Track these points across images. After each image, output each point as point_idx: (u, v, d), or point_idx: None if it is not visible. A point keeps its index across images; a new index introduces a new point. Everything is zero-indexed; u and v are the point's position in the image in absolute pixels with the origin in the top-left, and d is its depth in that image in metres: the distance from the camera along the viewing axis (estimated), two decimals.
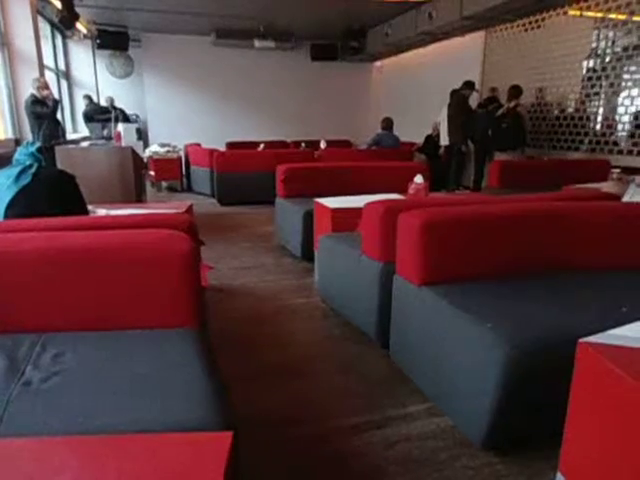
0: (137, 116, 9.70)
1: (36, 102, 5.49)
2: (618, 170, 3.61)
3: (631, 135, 5.17)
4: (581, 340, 1.22)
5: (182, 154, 8.03)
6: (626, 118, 5.32)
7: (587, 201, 2.56)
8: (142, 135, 9.21)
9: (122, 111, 8.31)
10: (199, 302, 1.65)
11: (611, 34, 5.58)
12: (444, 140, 6.92)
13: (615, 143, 5.41)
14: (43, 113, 5.53)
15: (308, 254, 3.73)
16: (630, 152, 5.10)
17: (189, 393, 1.18)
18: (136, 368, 1.32)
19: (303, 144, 8.47)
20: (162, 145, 7.95)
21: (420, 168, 4.33)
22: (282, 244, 4.38)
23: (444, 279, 1.99)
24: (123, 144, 5.30)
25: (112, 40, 9.01)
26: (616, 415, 1.11)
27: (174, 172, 7.80)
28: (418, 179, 3.49)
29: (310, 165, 5.20)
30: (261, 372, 2.27)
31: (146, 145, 8.78)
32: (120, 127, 5.84)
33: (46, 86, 5.64)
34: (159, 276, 1.57)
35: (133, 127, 7.24)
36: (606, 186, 3.45)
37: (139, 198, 4.56)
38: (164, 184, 7.92)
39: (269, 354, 2.45)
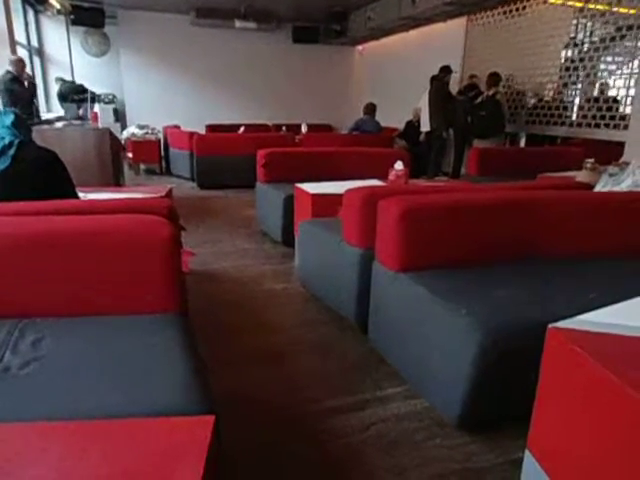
0: (114, 96, 9.45)
1: (14, 80, 5.30)
2: (592, 160, 3.70)
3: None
4: (550, 325, 1.27)
5: (161, 136, 7.88)
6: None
7: (561, 190, 2.62)
8: (119, 116, 9.00)
9: (92, 93, 8.08)
10: (180, 287, 1.65)
11: (589, 24, 5.66)
12: (425, 126, 6.95)
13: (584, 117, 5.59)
14: (20, 92, 5.35)
15: (288, 239, 3.74)
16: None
17: (170, 378, 1.20)
18: (117, 353, 1.33)
19: (284, 128, 8.40)
20: (140, 127, 7.79)
21: (401, 154, 4.36)
22: (263, 229, 4.38)
23: (422, 266, 2.03)
24: (100, 125, 5.18)
25: (87, 16, 8.71)
26: (581, 397, 1.17)
27: (153, 155, 7.67)
28: (398, 165, 3.51)
29: (291, 150, 5.18)
30: (241, 356, 2.29)
31: (124, 127, 8.60)
32: (97, 108, 5.71)
33: (24, 68, 5.47)
34: (139, 262, 1.57)
35: (110, 108, 7.09)
36: (580, 175, 3.54)
37: (117, 181, 4.48)
38: (142, 167, 7.78)
39: (249, 338, 2.48)
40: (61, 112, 7.57)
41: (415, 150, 6.73)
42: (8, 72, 5.31)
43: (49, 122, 5.48)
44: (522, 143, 6.57)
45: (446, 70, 6.59)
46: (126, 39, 9.36)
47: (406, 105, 7.83)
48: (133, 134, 7.62)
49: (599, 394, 1.10)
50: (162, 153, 7.86)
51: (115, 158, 4.51)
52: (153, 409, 1.06)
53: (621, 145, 4.86)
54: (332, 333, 2.52)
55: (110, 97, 9.05)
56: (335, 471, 1.59)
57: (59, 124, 5.38)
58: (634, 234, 2.39)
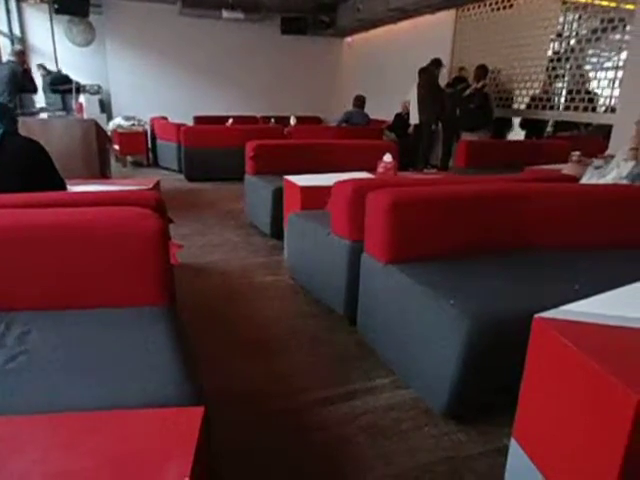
0: (99, 87, 9.31)
1: (25, 76, 5.31)
2: (578, 153, 3.74)
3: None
4: (536, 315, 1.30)
5: (148, 128, 7.79)
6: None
7: (547, 182, 2.65)
8: (105, 107, 8.87)
9: (77, 83, 7.95)
10: (168, 280, 1.65)
11: (577, 17, 5.70)
12: (413, 119, 6.96)
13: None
14: (28, 90, 5.35)
15: (277, 232, 3.74)
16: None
17: (159, 370, 1.19)
18: (105, 346, 1.32)
19: (272, 120, 8.36)
20: (127, 118, 7.68)
21: (389, 147, 4.37)
22: (251, 221, 4.36)
23: (410, 257, 2.04)
24: (85, 116, 5.11)
25: (71, 5, 8.54)
26: (566, 385, 1.19)
27: (139, 146, 7.58)
28: (387, 158, 3.52)
29: (280, 142, 5.16)
30: (231, 349, 2.29)
31: (110, 118, 8.48)
32: (82, 98, 5.62)
33: (25, 60, 5.49)
34: (128, 255, 1.55)
35: (95, 99, 6.98)
36: (566, 168, 3.58)
37: (104, 173, 4.43)
38: (129, 159, 7.69)
39: (239, 331, 2.48)
40: (43, 103, 7.43)
41: (404, 142, 6.75)
42: (11, 62, 5.27)
43: (33, 113, 5.39)
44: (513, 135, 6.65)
45: (437, 63, 6.59)
46: (112, 29, 9.21)
47: (395, 97, 7.83)
48: (119, 125, 7.52)
49: (583, 382, 1.13)
50: (149, 145, 7.78)
51: (101, 150, 4.46)
52: (142, 401, 1.06)
53: (606, 139, 4.92)
54: (321, 325, 2.53)
55: (96, 88, 8.92)
56: (324, 461, 1.60)
57: (43, 115, 5.30)
58: (618, 226, 2.43)
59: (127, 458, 0.86)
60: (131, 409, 1.00)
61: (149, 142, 7.76)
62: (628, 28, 4.94)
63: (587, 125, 6.25)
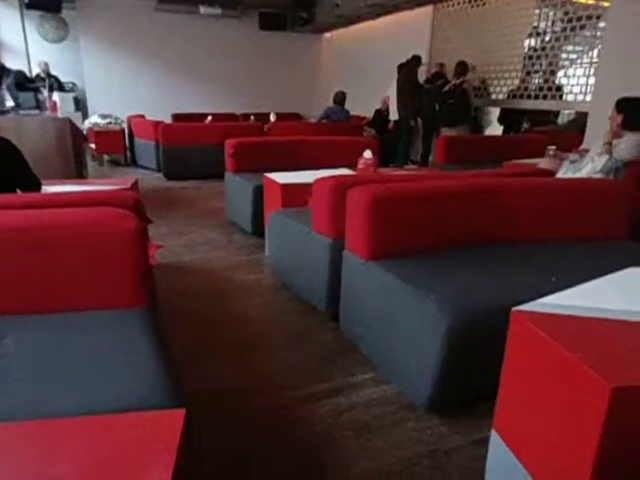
0: (74, 84, 9.11)
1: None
2: (554, 147, 3.81)
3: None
4: (514, 309, 1.32)
5: (125, 126, 7.66)
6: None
7: (524, 177, 2.69)
8: (80, 105, 8.68)
9: (57, 79, 7.77)
10: (148, 281, 1.63)
11: (551, 13, 5.80)
12: (394, 114, 7.00)
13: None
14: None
15: (259, 230, 3.72)
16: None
17: (138, 372, 1.18)
18: (83, 350, 1.30)
19: (252, 117, 8.30)
20: (103, 116, 7.54)
21: (370, 143, 4.38)
22: (232, 220, 4.33)
23: (391, 253, 2.06)
24: (59, 115, 4.99)
25: (42, 0, 8.33)
26: (544, 377, 1.22)
27: (117, 145, 7.45)
28: (367, 154, 3.53)
29: (260, 139, 5.13)
30: (213, 348, 2.28)
31: (85, 116, 8.31)
32: (56, 96, 5.49)
33: None
34: (105, 256, 1.53)
35: (70, 96, 6.83)
36: (542, 162, 3.64)
37: (80, 173, 4.35)
38: (106, 158, 7.56)
39: (222, 330, 2.46)
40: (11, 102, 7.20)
41: (384, 138, 6.77)
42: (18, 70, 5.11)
43: (3, 112, 5.24)
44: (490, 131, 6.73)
45: (416, 60, 6.63)
46: (86, 24, 9.01)
47: (375, 93, 7.85)
48: (95, 124, 7.38)
49: (560, 373, 1.15)
50: (127, 143, 7.65)
51: (77, 149, 4.37)
52: (122, 405, 1.04)
53: (581, 133, 5.03)
54: (304, 322, 2.53)
55: (70, 85, 8.73)
56: (308, 458, 1.61)
57: (15, 114, 5.16)
58: (593, 219, 2.48)
59: (107, 464, 0.85)
60: (110, 414, 0.99)
61: (127, 140, 7.63)
62: (601, 25, 5.04)
63: (560, 120, 6.38)
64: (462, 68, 6.13)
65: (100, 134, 7.29)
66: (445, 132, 6.22)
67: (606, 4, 4.91)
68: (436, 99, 6.45)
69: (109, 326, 1.44)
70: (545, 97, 5.79)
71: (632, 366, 1.08)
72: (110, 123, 7.47)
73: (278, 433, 1.72)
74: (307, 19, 9.37)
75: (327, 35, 10.67)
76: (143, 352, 1.27)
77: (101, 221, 1.57)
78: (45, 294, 1.54)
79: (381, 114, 7.65)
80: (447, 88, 6.21)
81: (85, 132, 6.70)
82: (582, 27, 5.26)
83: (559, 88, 5.61)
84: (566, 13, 5.49)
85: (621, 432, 1.04)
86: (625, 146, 3.06)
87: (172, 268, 3.28)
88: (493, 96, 6.58)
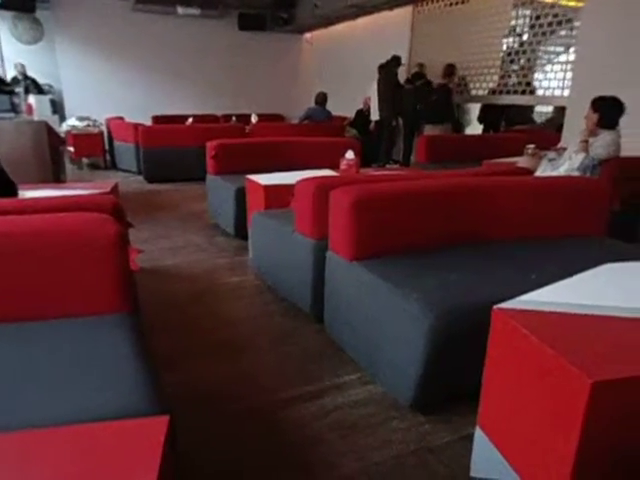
0: (50, 86, 8.94)
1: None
2: (533, 145, 3.87)
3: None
4: (495, 306, 1.34)
5: (104, 128, 7.55)
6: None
7: (504, 176, 2.73)
8: (57, 108, 8.52)
9: (34, 81, 7.62)
10: (129, 286, 1.60)
11: (527, 12, 5.91)
12: (375, 115, 7.03)
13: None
14: None
15: (242, 232, 3.70)
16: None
17: (120, 380, 1.16)
18: (63, 358, 1.27)
19: (234, 118, 8.26)
20: (81, 119, 7.40)
21: (351, 143, 4.39)
22: (215, 222, 4.30)
23: (374, 254, 2.07)
24: (36, 117, 4.89)
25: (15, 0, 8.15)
26: (525, 373, 1.24)
27: (96, 148, 7.33)
28: (349, 155, 3.55)
29: (241, 141, 5.11)
30: (198, 351, 2.26)
31: (62, 119, 8.16)
32: (31, 99, 5.38)
33: None
34: (84, 262, 1.50)
35: (46, 99, 6.69)
36: (521, 161, 3.69)
37: (57, 178, 4.26)
38: (85, 161, 7.44)
39: (205, 333, 2.44)
40: None
41: (366, 138, 6.81)
42: None
43: None
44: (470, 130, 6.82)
45: (396, 60, 6.68)
46: (61, 25, 8.85)
47: (356, 93, 7.88)
48: (73, 127, 7.24)
49: (541, 369, 1.17)
50: (106, 146, 7.54)
51: (54, 153, 4.28)
52: (103, 413, 1.02)
53: (559, 131, 5.12)
54: (288, 324, 2.53)
55: (46, 87, 8.56)
56: (295, 460, 1.60)
57: None
58: (571, 216, 2.53)
59: (89, 474, 0.83)
60: (92, 422, 0.97)
61: (106, 143, 7.52)
62: (576, 24, 5.14)
63: (538, 119, 6.50)
64: (450, 70, 6.23)
65: (78, 137, 7.17)
66: (428, 130, 6.29)
67: (580, 4, 5.01)
68: (418, 98, 6.50)
69: (90, 333, 1.41)
70: (524, 92, 5.91)
71: (611, 360, 1.11)
72: (88, 126, 7.34)
73: (264, 436, 1.71)
74: (287, 19, 9.36)
75: (307, 35, 10.67)
76: (125, 358, 1.25)
77: (80, 227, 1.55)
78: (23, 302, 1.51)
79: (362, 114, 7.68)
80: (433, 86, 6.30)
81: (63, 135, 6.58)
82: (559, 24, 5.36)
83: (531, 84, 5.75)
84: (544, 16, 5.59)
85: (601, 426, 1.07)
86: (601, 144, 3.12)
87: (154, 272, 3.25)
88: (473, 92, 6.67)
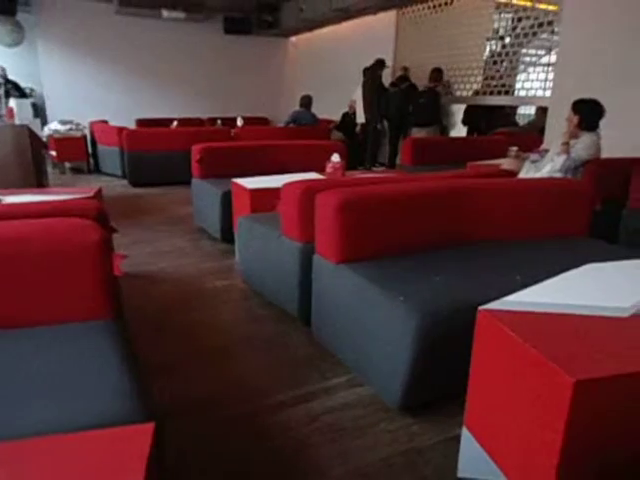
0: (32, 90, 8.81)
1: None
2: (516, 148, 3.92)
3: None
4: (480, 307, 1.35)
5: (87, 132, 7.46)
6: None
7: (488, 178, 2.76)
8: (39, 111, 8.41)
9: (15, 84, 7.50)
10: (112, 293, 1.58)
11: (510, 16, 6.00)
12: (361, 117, 7.07)
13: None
14: None
15: (228, 236, 3.69)
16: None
17: (105, 387, 1.15)
18: (46, 366, 1.25)
19: (219, 121, 8.23)
20: (63, 122, 7.31)
21: (337, 146, 4.41)
22: (201, 226, 4.27)
23: (361, 256, 2.07)
24: (17, 121, 4.82)
25: None
26: (510, 373, 1.25)
27: (79, 152, 7.24)
28: (335, 158, 3.55)
29: (227, 144, 5.08)
30: (185, 357, 2.24)
31: (44, 122, 8.06)
32: (12, 102, 5.30)
33: None
34: (67, 269, 1.48)
35: (28, 102, 6.60)
36: (505, 163, 3.73)
37: (40, 182, 4.20)
38: (68, 165, 7.34)
39: (193, 338, 2.42)
40: None
41: (352, 141, 6.84)
42: None
43: None
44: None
45: (380, 63, 6.72)
46: (43, 28, 8.73)
47: (342, 97, 7.91)
48: (56, 131, 7.15)
49: (525, 369, 1.18)
50: (89, 150, 7.45)
51: (36, 157, 4.22)
52: (88, 422, 1.01)
53: (541, 133, 5.20)
54: (276, 328, 2.52)
55: (27, 91, 8.43)
56: (284, 465, 1.60)
57: None
58: (555, 217, 2.56)
59: None
60: (75, 432, 0.96)
61: (89, 147, 7.43)
62: (556, 29, 5.23)
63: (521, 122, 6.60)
64: (437, 74, 6.30)
65: (61, 141, 7.07)
66: (416, 132, 6.34)
67: (556, 8, 5.10)
68: (404, 101, 6.55)
69: (73, 340, 1.39)
70: (507, 93, 6.01)
71: (594, 359, 1.12)
72: (71, 129, 7.25)
73: (254, 441, 1.70)
74: (272, 23, 9.37)
75: (292, 39, 10.68)
76: (109, 366, 1.24)
77: (63, 233, 1.53)
78: (4, 308, 1.48)
79: (348, 117, 7.71)
80: (422, 89, 6.36)
81: (45, 139, 6.49)
82: (540, 25, 5.46)
83: (513, 85, 5.88)
84: (526, 18, 5.68)
85: (585, 424, 1.08)
86: (582, 146, 3.18)
87: (139, 277, 3.21)
88: (457, 93, 6.75)
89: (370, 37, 7.95)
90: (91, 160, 7.48)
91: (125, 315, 1.84)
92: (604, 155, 3.31)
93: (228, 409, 1.87)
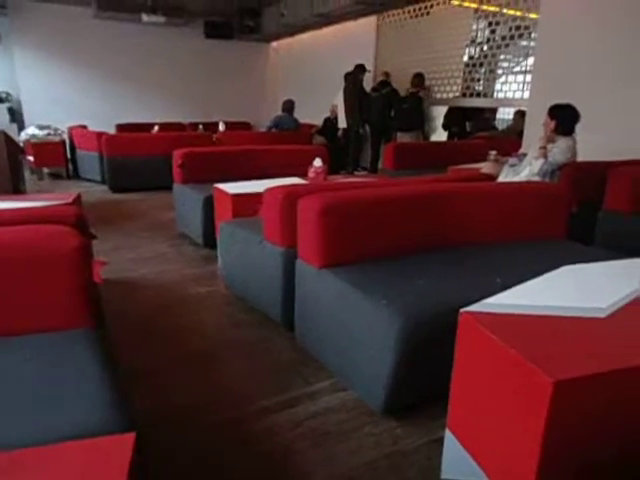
0: (8, 94, 8.65)
1: None
2: (495, 152, 3.98)
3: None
4: (462, 310, 1.37)
5: (66, 137, 7.34)
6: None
7: (468, 182, 2.80)
8: (16, 116, 8.26)
9: None
10: (92, 300, 1.56)
11: (487, 23, 6.11)
12: (342, 122, 7.10)
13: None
14: None
15: (210, 241, 3.66)
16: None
17: (85, 397, 1.13)
18: (22, 377, 1.23)
19: (201, 126, 8.18)
20: (41, 127, 7.18)
21: (319, 151, 4.42)
22: (182, 232, 4.24)
23: (344, 261, 2.08)
24: None
25: None
26: (491, 375, 1.27)
27: (57, 157, 7.11)
28: (317, 162, 3.57)
29: (209, 149, 5.05)
30: (168, 364, 2.22)
31: (21, 127, 7.91)
32: None
33: None
34: (45, 277, 1.45)
35: (4, 107, 6.48)
36: (484, 167, 3.79)
37: (17, 189, 4.11)
38: (46, 171, 7.21)
39: (176, 345, 2.40)
40: None
41: (334, 146, 6.86)
42: None
43: None
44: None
45: (361, 68, 6.77)
46: (20, 31, 8.57)
47: (324, 101, 7.94)
48: (33, 135, 7.01)
49: (506, 370, 1.20)
50: (68, 155, 7.33)
51: (13, 162, 4.13)
52: (68, 433, 0.99)
53: (520, 137, 5.30)
54: (259, 333, 2.51)
55: (3, 95, 8.28)
56: (269, 471, 1.59)
57: None
58: (533, 220, 2.61)
59: None
60: (55, 443, 0.94)
61: (68, 152, 7.31)
62: (533, 35, 5.34)
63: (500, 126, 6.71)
64: (419, 80, 6.36)
65: (38, 146, 6.94)
66: (400, 137, 6.40)
67: (534, 16, 5.22)
68: (385, 106, 6.61)
69: (53, 350, 1.37)
70: (485, 95, 6.14)
71: (571, 360, 1.15)
72: (49, 134, 7.13)
73: (238, 448, 1.69)
74: (253, 28, 9.36)
75: (273, 44, 10.70)
76: (89, 375, 1.22)
77: (40, 240, 1.50)
78: None
79: (330, 122, 7.74)
80: (404, 95, 6.42)
81: (22, 144, 6.37)
82: (518, 28, 5.57)
83: (492, 88, 6.01)
84: (504, 23, 5.79)
85: (565, 424, 1.10)
86: (559, 150, 3.24)
87: (121, 284, 3.17)
88: (438, 95, 6.84)
89: (351, 42, 8.01)
90: (70, 165, 7.36)
91: (106, 322, 1.82)
92: (583, 159, 3.39)
93: (212, 415, 1.85)
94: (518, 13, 5.52)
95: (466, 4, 6.19)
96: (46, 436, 0.99)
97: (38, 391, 1.17)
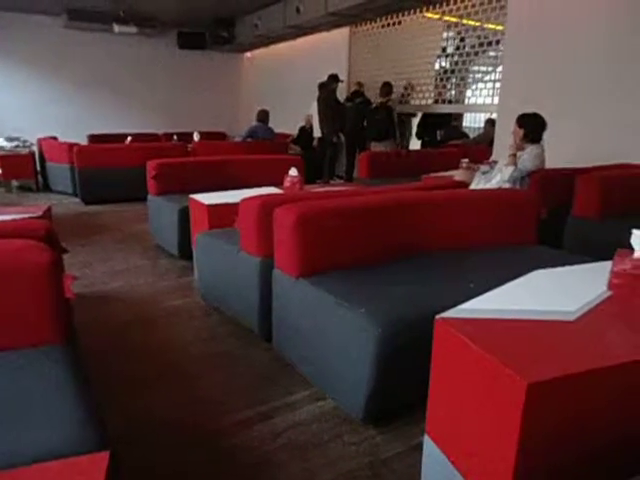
0: None
1: None
2: (467, 160, 4.07)
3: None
4: (437, 316, 1.38)
5: (35, 149, 7.17)
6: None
7: (442, 190, 2.85)
8: None
9: None
10: (64, 316, 1.52)
11: (457, 34, 6.28)
12: (317, 131, 7.15)
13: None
14: None
15: (186, 252, 3.62)
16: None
17: (57, 416, 1.09)
18: None
19: (175, 137, 8.11)
20: (9, 139, 7.02)
21: (295, 160, 4.43)
22: (158, 243, 4.18)
23: (320, 270, 2.08)
24: None
25: None
26: (467, 379, 1.28)
27: (26, 170, 6.93)
28: (293, 172, 3.57)
29: (183, 160, 5.02)
30: (145, 378, 2.17)
31: None
32: None
33: None
34: (14, 293, 1.41)
35: None
36: (457, 174, 3.87)
37: None
38: (15, 183, 7.02)
39: (152, 359, 2.36)
40: None
41: (309, 155, 6.89)
42: None
43: None
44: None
45: (334, 78, 6.84)
46: None
47: (299, 111, 7.97)
48: (1, 147, 6.85)
49: (481, 374, 1.22)
50: (38, 168, 7.16)
51: None
52: (40, 453, 0.96)
53: (490, 146, 5.43)
54: (236, 344, 2.49)
55: None
56: None
57: None
58: (504, 226, 2.67)
59: None
60: (26, 465, 0.91)
61: (38, 164, 7.14)
62: (501, 46, 5.50)
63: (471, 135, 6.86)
64: (387, 89, 6.45)
65: (6, 158, 6.77)
66: (374, 147, 6.47)
67: (500, 27, 5.38)
68: (359, 116, 6.68)
69: (22, 367, 1.32)
70: (457, 102, 6.29)
71: (545, 362, 1.17)
72: (18, 146, 6.97)
73: (216, 461, 1.66)
74: (227, 38, 9.36)
75: (248, 54, 10.72)
76: (61, 393, 1.18)
77: (8, 255, 1.46)
78: None
79: (305, 131, 7.78)
80: (374, 106, 6.48)
81: None
82: (487, 40, 5.74)
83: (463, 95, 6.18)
84: (474, 33, 5.95)
85: (540, 427, 1.12)
86: (527, 157, 3.34)
87: (94, 298, 3.10)
88: (412, 102, 6.97)
89: (325, 52, 8.09)
90: (40, 178, 7.20)
91: (78, 338, 1.77)
92: (552, 165, 3.49)
93: (191, 428, 1.82)
94: (478, 24, 5.69)
95: (429, 15, 6.35)
96: (14, 459, 0.96)
97: (7, 410, 1.13)
